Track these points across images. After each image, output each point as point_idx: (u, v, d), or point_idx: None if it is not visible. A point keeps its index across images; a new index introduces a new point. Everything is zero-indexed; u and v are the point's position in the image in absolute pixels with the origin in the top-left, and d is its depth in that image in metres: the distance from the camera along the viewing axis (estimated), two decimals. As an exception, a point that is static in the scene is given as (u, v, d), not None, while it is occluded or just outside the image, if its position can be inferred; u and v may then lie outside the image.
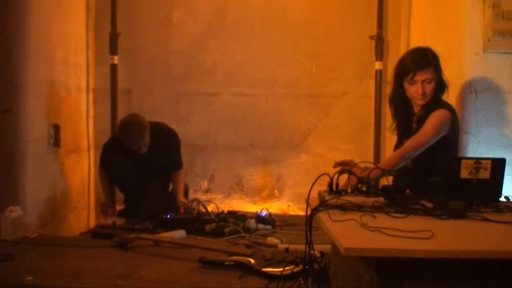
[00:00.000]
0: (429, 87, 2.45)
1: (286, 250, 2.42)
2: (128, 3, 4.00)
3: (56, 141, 3.31)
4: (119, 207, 3.62)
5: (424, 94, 2.45)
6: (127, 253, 2.59)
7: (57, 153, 3.36)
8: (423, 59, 2.46)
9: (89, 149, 3.95)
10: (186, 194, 3.61)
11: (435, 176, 1.89)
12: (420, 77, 2.44)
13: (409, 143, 2.41)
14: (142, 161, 3.39)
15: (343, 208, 1.74)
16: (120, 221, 3.17)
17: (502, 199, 1.91)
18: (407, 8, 3.84)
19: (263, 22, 4.00)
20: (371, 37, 3.93)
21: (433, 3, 3.44)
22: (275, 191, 4.06)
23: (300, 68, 4.01)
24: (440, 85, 2.49)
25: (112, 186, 3.59)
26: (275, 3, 4.00)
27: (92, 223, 3.93)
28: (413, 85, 2.47)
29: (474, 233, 1.54)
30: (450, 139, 2.45)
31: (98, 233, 3.03)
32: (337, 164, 2.24)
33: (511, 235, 1.53)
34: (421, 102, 2.49)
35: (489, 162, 1.82)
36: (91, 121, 4.00)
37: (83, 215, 3.88)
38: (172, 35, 4.03)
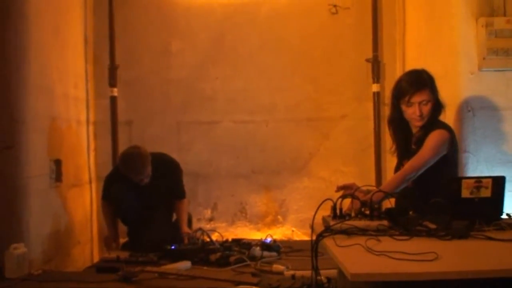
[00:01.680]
0: (426, 108, 2.48)
1: (293, 276, 2.40)
2: (125, 35, 4.05)
3: (58, 175, 3.31)
4: (122, 240, 3.60)
5: (421, 115, 2.47)
6: (133, 287, 2.57)
7: (59, 187, 3.36)
8: (419, 81, 2.50)
9: (90, 183, 3.95)
10: (189, 223, 3.60)
11: (436, 196, 1.90)
12: (416, 98, 2.47)
13: (409, 165, 2.42)
14: (144, 192, 3.39)
15: (347, 232, 1.75)
16: (124, 254, 3.16)
17: (504, 216, 1.91)
18: (401, 30, 3.90)
19: (260, 48, 4.05)
20: (367, 60, 3.96)
21: (427, 24, 3.49)
22: (279, 217, 4.04)
23: (299, 93, 4.03)
24: (437, 106, 2.52)
25: (115, 219, 3.57)
26: (271, 29, 4.05)
27: (96, 257, 3.91)
28: (410, 107, 2.49)
29: (478, 253, 1.54)
30: (450, 159, 2.47)
31: (103, 268, 3.01)
32: (339, 188, 2.25)
33: (516, 253, 1.53)
34: (419, 124, 2.51)
35: (490, 180, 1.83)
36: (92, 154, 4.01)
37: (86, 249, 3.86)
38: (171, 64, 4.07)
